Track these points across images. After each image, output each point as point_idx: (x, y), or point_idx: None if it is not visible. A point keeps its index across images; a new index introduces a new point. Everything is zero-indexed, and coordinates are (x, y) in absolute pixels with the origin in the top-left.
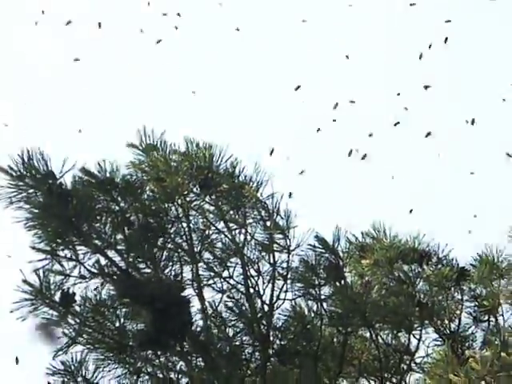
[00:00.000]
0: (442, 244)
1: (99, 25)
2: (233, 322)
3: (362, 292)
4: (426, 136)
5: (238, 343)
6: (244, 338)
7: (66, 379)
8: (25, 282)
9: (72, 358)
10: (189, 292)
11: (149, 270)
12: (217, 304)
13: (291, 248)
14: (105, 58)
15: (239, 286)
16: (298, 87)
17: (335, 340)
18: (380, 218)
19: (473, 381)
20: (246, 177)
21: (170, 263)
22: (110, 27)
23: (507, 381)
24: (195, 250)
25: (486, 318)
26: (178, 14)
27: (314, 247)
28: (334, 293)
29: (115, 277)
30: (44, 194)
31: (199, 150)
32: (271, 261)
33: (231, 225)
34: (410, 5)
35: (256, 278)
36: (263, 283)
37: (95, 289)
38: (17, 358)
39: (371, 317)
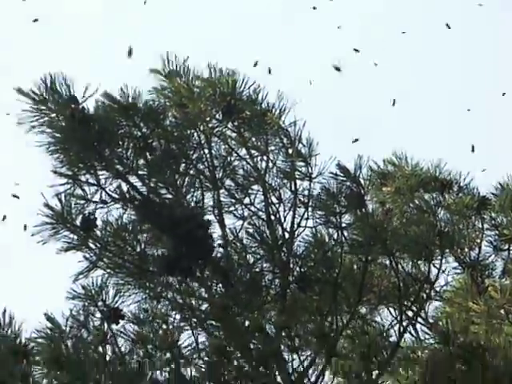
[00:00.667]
0: (463, 172)
1: None
2: (253, 249)
3: (383, 220)
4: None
5: (258, 270)
6: (264, 265)
7: (86, 303)
8: (46, 205)
9: (92, 283)
10: (210, 218)
11: (170, 196)
12: (238, 231)
13: (313, 176)
14: None
15: (260, 212)
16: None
17: (355, 268)
18: (402, 145)
19: (492, 309)
20: (268, 104)
21: (192, 189)
22: None
23: None
24: (217, 176)
25: (507, 246)
26: None
27: (336, 175)
28: (355, 221)
29: (136, 202)
30: (66, 118)
31: (222, 77)
32: (293, 188)
33: (253, 152)
34: None
35: (277, 205)
36: (284, 210)
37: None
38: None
39: (392, 245)
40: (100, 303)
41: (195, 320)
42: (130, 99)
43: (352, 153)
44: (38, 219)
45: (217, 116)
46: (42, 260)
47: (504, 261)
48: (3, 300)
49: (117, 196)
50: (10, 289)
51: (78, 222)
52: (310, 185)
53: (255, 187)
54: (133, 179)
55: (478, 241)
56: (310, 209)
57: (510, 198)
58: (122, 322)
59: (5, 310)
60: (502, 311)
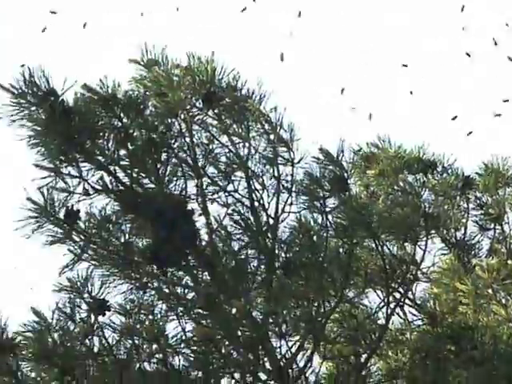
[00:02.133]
0: (447, 153)
1: None
2: (238, 236)
3: (368, 203)
4: None
5: (243, 257)
6: (249, 252)
7: (72, 295)
8: (29, 199)
9: (78, 275)
10: (193, 207)
11: (153, 186)
12: (222, 218)
13: (295, 161)
14: None
15: (244, 199)
16: None
17: (341, 251)
18: (385, 127)
19: (479, 289)
20: (248, 90)
21: (174, 178)
22: None
23: None
24: (199, 164)
25: (492, 226)
26: None
27: (319, 159)
28: (339, 204)
29: (119, 193)
30: (46, 111)
31: (201, 64)
32: (275, 174)
33: (235, 138)
34: None
35: (261, 192)
36: (268, 196)
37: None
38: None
39: (377, 228)
40: (86, 295)
41: (182, 309)
42: (110, 90)
43: (334, 137)
44: (21, 214)
45: (197, 104)
46: (27, 255)
47: (490, 240)
48: None
49: (99, 187)
50: None
51: (61, 215)
52: (292, 170)
53: (238, 174)
54: (115, 170)
55: (464, 221)
56: (293, 194)
57: (493, 177)
58: (108, 314)
59: None
60: (490, 290)
